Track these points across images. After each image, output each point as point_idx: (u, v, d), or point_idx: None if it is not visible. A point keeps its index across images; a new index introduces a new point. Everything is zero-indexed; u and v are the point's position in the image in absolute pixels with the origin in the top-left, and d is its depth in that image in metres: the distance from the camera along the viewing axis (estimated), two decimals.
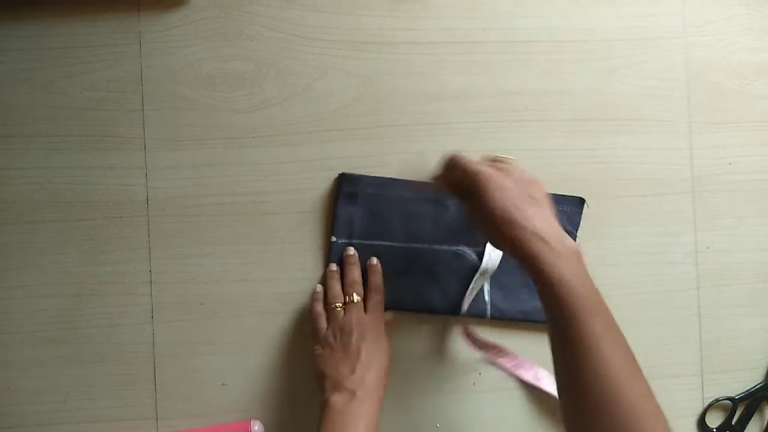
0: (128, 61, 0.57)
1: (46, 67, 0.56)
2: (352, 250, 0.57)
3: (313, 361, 0.53)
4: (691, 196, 0.61)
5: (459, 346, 0.59)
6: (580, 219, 0.59)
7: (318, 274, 0.58)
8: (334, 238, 0.57)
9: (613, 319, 0.42)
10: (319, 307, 0.55)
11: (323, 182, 0.58)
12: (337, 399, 0.48)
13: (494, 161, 0.49)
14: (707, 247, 0.61)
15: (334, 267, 0.57)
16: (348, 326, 0.52)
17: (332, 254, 0.57)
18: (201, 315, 0.57)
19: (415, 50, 0.58)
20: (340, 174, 0.57)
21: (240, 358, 0.57)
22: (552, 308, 0.42)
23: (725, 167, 0.61)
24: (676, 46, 0.61)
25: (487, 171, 0.45)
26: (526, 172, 0.47)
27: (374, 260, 0.57)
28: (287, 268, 0.57)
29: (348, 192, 0.57)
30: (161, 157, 0.57)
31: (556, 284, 0.41)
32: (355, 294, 0.54)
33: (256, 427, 0.55)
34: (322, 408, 0.49)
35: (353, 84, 0.58)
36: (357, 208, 0.57)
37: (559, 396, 0.43)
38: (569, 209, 0.59)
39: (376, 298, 0.55)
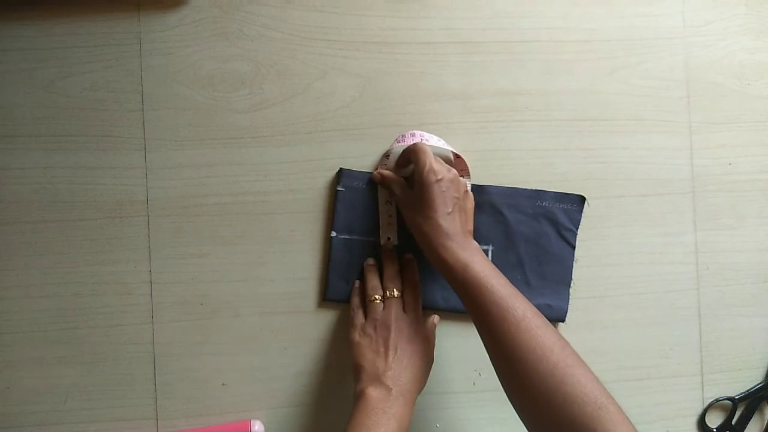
0: (128, 61, 0.57)
1: (46, 67, 0.56)
2: (391, 245, 0.57)
3: (350, 349, 0.53)
4: (691, 196, 0.61)
5: (459, 345, 0.59)
6: (581, 217, 0.59)
7: (318, 273, 0.58)
8: (334, 233, 0.57)
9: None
10: (357, 300, 0.56)
11: (323, 182, 0.58)
12: (373, 392, 0.48)
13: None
14: (707, 247, 0.61)
15: (371, 261, 0.57)
16: (387, 321, 0.52)
17: (332, 249, 0.57)
18: (201, 315, 0.57)
19: (415, 50, 0.58)
20: (339, 169, 0.57)
21: (240, 358, 0.57)
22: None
23: (725, 167, 0.61)
24: (676, 46, 0.61)
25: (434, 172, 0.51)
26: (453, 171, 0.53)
27: (410, 255, 0.57)
28: (287, 268, 0.57)
29: (348, 187, 0.57)
30: (161, 157, 0.57)
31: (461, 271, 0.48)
32: (395, 289, 0.54)
33: (256, 427, 0.55)
34: (357, 398, 0.49)
35: (353, 84, 0.58)
36: (357, 203, 0.57)
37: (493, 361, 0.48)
38: (569, 207, 0.59)
39: (414, 296, 0.55)
